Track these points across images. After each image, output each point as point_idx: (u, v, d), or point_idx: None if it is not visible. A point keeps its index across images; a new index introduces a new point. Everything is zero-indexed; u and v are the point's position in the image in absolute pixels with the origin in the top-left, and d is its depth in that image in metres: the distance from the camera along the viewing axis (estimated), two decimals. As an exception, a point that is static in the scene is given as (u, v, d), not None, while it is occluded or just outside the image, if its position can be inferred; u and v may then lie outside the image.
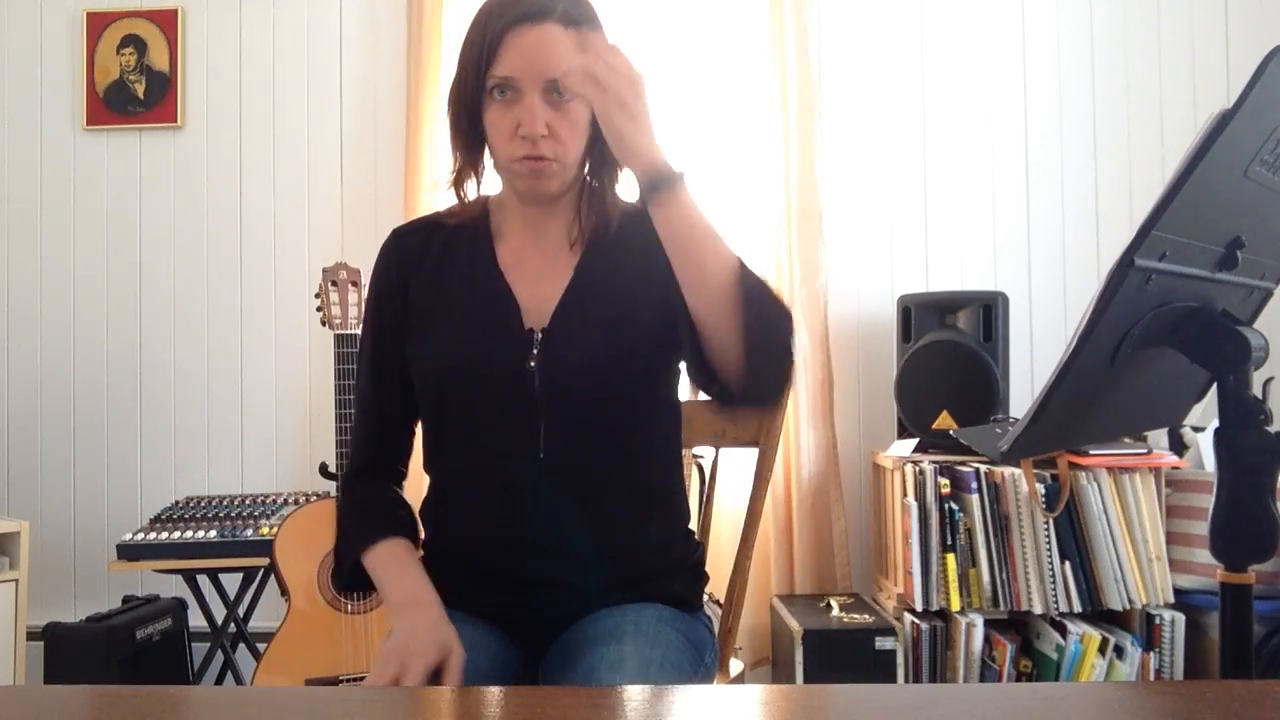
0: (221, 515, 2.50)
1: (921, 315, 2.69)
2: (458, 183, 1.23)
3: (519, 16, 1.11)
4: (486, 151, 1.21)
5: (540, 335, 1.17)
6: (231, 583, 2.57)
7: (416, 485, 1.28)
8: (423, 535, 1.28)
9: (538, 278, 1.21)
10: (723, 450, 1.52)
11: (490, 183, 1.26)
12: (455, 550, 1.24)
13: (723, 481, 1.58)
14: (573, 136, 1.14)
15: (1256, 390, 0.96)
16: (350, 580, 1.23)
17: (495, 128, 1.15)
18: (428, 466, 1.27)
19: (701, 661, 1.21)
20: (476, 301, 1.20)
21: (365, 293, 2.09)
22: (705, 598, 1.33)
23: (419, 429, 1.30)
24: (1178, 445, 2.49)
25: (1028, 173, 2.98)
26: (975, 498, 2.43)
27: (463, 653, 1.07)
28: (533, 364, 1.16)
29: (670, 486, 1.29)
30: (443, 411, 1.22)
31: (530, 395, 1.16)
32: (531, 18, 1.10)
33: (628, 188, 1.24)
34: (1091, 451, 2.41)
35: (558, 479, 1.16)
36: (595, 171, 1.21)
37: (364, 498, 1.27)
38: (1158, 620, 2.41)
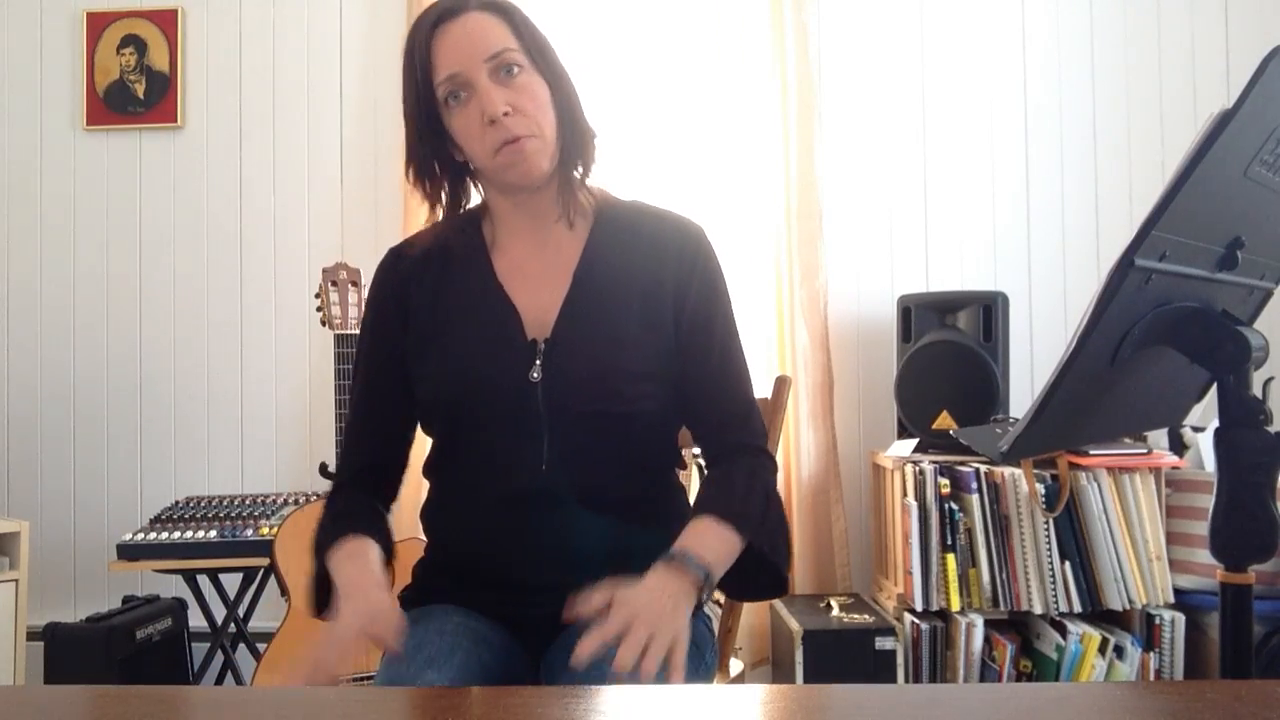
0: (221, 515, 2.50)
1: (921, 315, 2.69)
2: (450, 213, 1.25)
3: (437, 18, 1.14)
4: (470, 185, 1.24)
5: (543, 345, 1.17)
6: (231, 583, 2.57)
7: (415, 487, 1.28)
8: (424, 539, 1.28)
9: (537, 285, 1.21)
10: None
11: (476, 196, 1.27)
12: (457, 554, 1.24)
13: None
14: (537, 107, 1.15)
15: (1256, 390, 0.96)
16: (320, 603, 1.17)
17: (464, 133, 1.15)
18: (428, 473, 1.27)
19: (702, 661, 1.21)
20: (478, 316, 1.20)
21: (365, 293, 2.09)
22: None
23: (415, 439, 1.30)
24: (1178, 445, 2.49)
25: (1028, 173, 2.98)
26: (975, 498, 2.43)
27: (397, 619, 1.02)
28: (535, 375, 1.16)
29: (671, 489, 1.30)
30: (449, 426, 1.22)
31: (533, 408, 1.16)
32: (450, 14, 1.14)
33: (609, 181, 1.28)
34: (1091, 451, 2.41)
35: (560, 489, 1.16)
36: (570, 156, 1.21)
37: (336, 510, 1.23)
38: (1158, 620, 2.41)
